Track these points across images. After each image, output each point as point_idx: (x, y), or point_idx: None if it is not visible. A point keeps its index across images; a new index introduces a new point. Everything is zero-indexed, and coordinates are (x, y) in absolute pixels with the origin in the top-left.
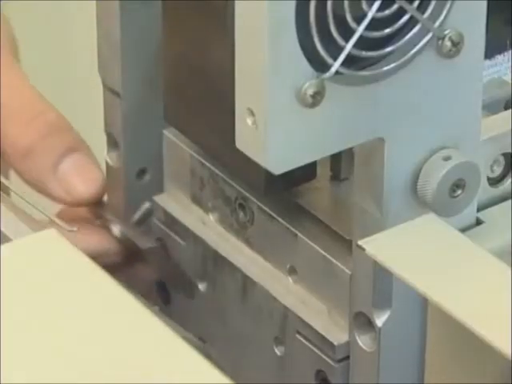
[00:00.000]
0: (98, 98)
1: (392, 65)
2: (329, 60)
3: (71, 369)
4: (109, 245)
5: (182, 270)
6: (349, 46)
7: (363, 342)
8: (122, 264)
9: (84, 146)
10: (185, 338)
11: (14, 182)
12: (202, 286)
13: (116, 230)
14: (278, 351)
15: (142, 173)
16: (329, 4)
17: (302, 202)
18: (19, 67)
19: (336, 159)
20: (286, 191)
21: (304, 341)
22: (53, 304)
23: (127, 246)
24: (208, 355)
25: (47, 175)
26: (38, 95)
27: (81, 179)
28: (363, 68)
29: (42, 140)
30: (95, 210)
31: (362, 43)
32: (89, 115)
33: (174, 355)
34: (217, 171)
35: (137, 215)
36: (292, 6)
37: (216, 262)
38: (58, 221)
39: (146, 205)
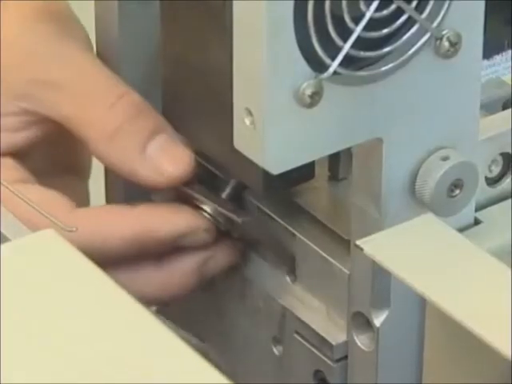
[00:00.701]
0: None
1: (390, 65)
2: (327, 60)
3: (70, 369)
4: (200, 223)
5: (277, 239)
6: (347, 46)
7: (361, 341)
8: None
9: (168, 127)
10: (183, 338)
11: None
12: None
13: (208, 207)
14: (276, 351)
15: None
16: (327, 4)
17: (301, 201)
18: (93, 54)
19: (334, 159)
20: (285, 191)
21: (302, 340)
22: (52, 304)
23: (218, 224)
24: (207, 355)
25: (136, 157)
26: (117, 79)
27: (170, 159)
28: (361, 68)
29: (129, 121)
30: (184, 189)
31: (360, 43)
32: None
33: (172, 355)
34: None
35: (226, 191)
36: (290, 6)
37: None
38: (57, 221)
39: (233, 181)
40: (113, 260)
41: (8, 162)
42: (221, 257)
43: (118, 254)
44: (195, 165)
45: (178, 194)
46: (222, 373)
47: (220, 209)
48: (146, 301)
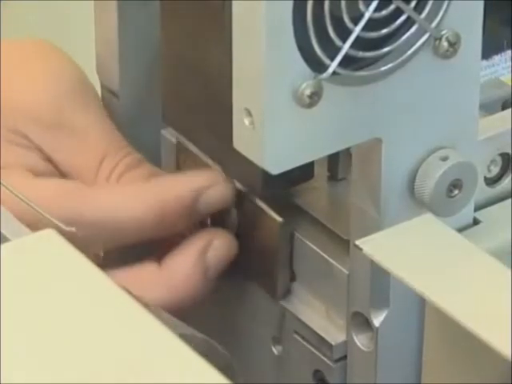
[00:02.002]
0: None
1: (389, 65)
2: (326, 60)
3: (70, 369)
4: (219, 176)
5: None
6: (346, 47)
7: (361, 341)
8: None
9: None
10: (186, 335)
11: None
12: None
13: None
14: (275, 351)
15: None
16: (326, 4)
17: (300, 202)
18: (96, 105)
19: (333, 159)
20: (284, 191)
21: (301, 340)
22: (52, 304)
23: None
24: (213, 349)
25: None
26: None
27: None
28: (360, 68)
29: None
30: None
31: (359, 43)
32: None
33: (172, 355)
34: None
35: None
36: (289, 6)
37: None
38: (56, 221)
39: None
40: (134, 239)
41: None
42: (219, 245)
43: (141, 227)
44: None
45: None
46: (230, 367)
47: None
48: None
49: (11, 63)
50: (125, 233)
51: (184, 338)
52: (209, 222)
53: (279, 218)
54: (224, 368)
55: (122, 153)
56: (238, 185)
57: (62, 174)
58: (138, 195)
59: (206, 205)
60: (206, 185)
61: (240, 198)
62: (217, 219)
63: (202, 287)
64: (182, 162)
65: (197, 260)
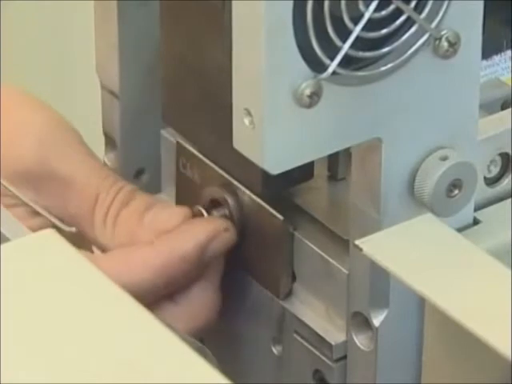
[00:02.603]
0: (96, 99)
1: (389, 65)
2: (326, 60)
3: (70, 369)
4: (218, 224)
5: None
6: (346, 47)
7: (360, 341)
8: None
9: (159, 202)
10: (183, 340)
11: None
12: None
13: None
14: (275, 351)
15: (139, 173)
16: (326, 4)
17: (300, 202)
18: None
19: (333, 159)
20: (284, 191)
21: (302, 340)
22: (51, 304)
23: None
24: (205, 355)
25: (135, 230)
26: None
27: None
28: (360, 68)
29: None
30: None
31: (359, 44)
32: (87, 116)
33: (172, 355)
34: (215, 169)
35: None
36: (289, 6)
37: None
38: (56, 221)
39: None
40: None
41: None
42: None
43: (149, 292)
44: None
45: None
46: (221, 372)
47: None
48: None
49: None
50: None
51: None
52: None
53: (280, 217)
54: None
55: (113, 191)
56: (239, 184)
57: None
58: (143, 262)
59: (211, 255)
60: (210, 237)
61: (240, 198)
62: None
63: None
64: (181, 162)
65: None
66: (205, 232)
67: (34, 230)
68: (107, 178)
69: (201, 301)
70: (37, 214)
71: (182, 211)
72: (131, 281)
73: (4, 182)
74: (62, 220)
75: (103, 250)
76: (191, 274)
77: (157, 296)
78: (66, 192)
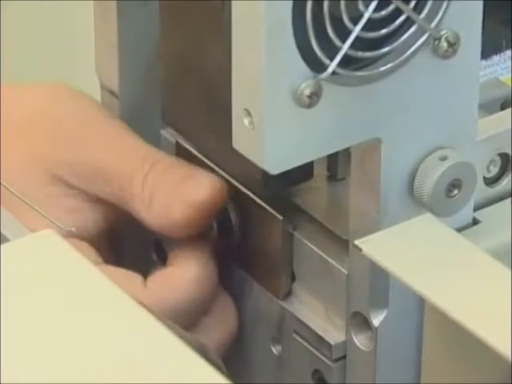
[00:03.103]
0: (95, 99)
1: (388, 65)
2: (325, 60)
3: (69, 369)
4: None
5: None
6: (345, 47)
7: (360, 341)
8: None
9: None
10: (183, 338)
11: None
12: None
13: None
14: (275, 350)
15: None
16: (325, 4)
17: (299, 202)
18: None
19: (333, 159)
20: (283, 191)
21: (301, 340)
22: (51, 304)
23: None
24: (206, 354)
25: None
26: (146, 146)
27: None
28: (360, 68)
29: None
30: None
31: (359, 44)
32: None
33: (171, 355)
34: (215, 169)
35: None
36: (289, 6)
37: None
38: (56, 221)
39: None
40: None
41: (83, 244)
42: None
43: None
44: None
45: None
46: (221, 372)
47: None
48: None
49: (31, 109)
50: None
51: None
52: (215, 226)
53: (280, 217)
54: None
55: (145, 168)
56: (238, 184)
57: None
58: (181, 279)
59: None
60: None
61: (240, 198)
62: (219, 220)
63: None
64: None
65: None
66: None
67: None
68: (136, 157)
69: (227, 307)
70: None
71: (213, 183)
72: (177, 300)
73: (7, 186)
74: (119, 205)
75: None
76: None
77: (200, 310)
78: (104, 177)
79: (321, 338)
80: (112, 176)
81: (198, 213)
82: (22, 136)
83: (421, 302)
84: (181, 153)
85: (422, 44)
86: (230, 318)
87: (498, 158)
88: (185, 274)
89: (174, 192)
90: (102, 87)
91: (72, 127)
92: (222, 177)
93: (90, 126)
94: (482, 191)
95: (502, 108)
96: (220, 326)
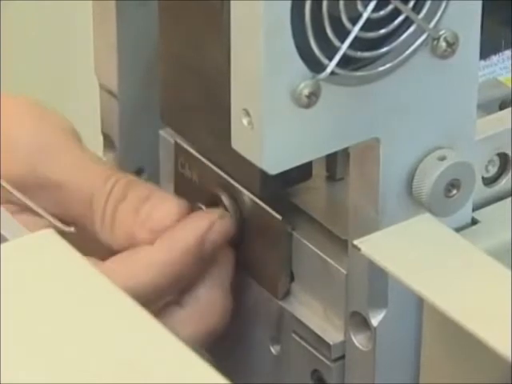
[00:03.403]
0: (94, 99)
1: (387, 65)
2: (324, 60)
3: (69, 369)
4: (213, 214)
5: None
6: (344, 47)
7: (359, 341)
8: None
9: (158, 191)
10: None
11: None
12: None
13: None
14: (274, 350)
15: (138, 173)
16: (324, 4)
17: (298, 202)
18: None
19: (331, 159)
20: (282, 191)
21: (300, 340)
22: (50, 303)
23: None
24: (204, 354)
25: (132, 224)
26: (105, 167)
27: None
28: (358, 68)
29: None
30: None
31: (358, 44)
32: (85, 116)
33: (170, 355)
34: (214, 169)
35: None
36: (287, 6)
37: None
38: (55, 221)
39: None
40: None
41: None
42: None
43: (155, 290)
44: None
45: None
46: (220, 372)
47: None
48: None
49: None
50: (142, 298)
51: None
52: None
53: (279, 217)
54: None
55: (106, 188)
56: (237, 184)
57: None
58: (146, 263)
59: (210, 245)
60: (208, 226)
61: (239, 198)
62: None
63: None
64: (180, 162)
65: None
66: (202, 223)
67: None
68: (99, 176)
69: (208, 302)
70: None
71: (176, 207)
72: (137, 284)
73: (7, 186)
74: (65, 223)
75: (107, 248)
76: (194, 269)
77: (163, 297)
78: (62, 196)
79: (320, 338)
80: (70, 198)
81: (161, 234)
82: None
83: (420, 302)
84: (179, 153)
85: (421, 44)
86: (210, 315)
87: (496, 158)
88: (149, 256)
89: (136, 214)
90: (101, 87)
91: (34, 149)
92: (220, 176)
93: (49, 147)
94: (480, 191)
95: (501, 108)
96: (196, 321)
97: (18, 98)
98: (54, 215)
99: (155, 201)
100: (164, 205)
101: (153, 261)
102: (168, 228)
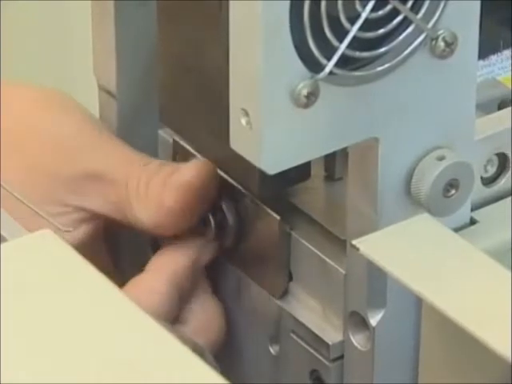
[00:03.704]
0: (93, 99)
1: (386, 65)
2: (323, 60)
3: (68, 369)
4: (201, 239)
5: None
6: (343, 47)
7: (357, 341)
8: None
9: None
10: (180, 338)
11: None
12: None
13: None
14: (272, 350)
15: None
16: (323, 4)
17: (297, 202)
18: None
19: (330, 159)
20: (281, 191)
21: (299, 340)
22: (49, 303)
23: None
24: (202, 354)
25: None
26: (136, 154)
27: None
28: (357, 68)
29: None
30: None
31: (356, 44)
32: None
33: (169, 355)
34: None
35: None
36: (286, 6)
37: (211, 262)
38: (54, 221)
39: None
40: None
41: None
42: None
43: (161, 313)
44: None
45: None
46: (217, 371)
47: None
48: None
49: (19, 118)
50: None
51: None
52: (212, 224)
53: (277, 216)
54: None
55: (140, 169)
56: (236, 184)
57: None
58: (149, 290)
59: (200, 267)
60: (200, 251)
61: (238, 198)
62: (217, 220)
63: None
64: (178, 162)
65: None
66: (196, 248)
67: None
68: (132, 160)
69: (205, 313)
70: (82, 221)
71: (195, 164)
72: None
73: (7, 187)
74: (109, 215)
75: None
76: (190, 289)
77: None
78: (101, 187)
79: (318, 338)
80: (108, 186)
81: (189, 196)
82: (12, 147)
83: (418, 302)
84: (178, 152)
85: (420, 44)
86: (211, 328)
87: (495, 158)
88: (149, 285)
89: (164, 184)
90: (100, 88)
91: (63, 140)
92: (219, 177)
93: (82, 138)
94: (479, 191)
95: (500, 108)
96: (198, 335)
97: (45, 90)
98: (99, 209)
99: (180, 169)
100: (185, 165)
101: (155, 288)
102: (193, 183)
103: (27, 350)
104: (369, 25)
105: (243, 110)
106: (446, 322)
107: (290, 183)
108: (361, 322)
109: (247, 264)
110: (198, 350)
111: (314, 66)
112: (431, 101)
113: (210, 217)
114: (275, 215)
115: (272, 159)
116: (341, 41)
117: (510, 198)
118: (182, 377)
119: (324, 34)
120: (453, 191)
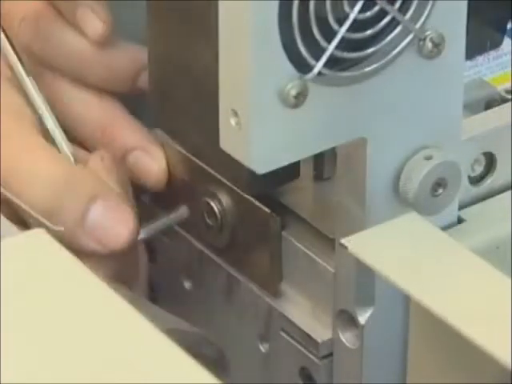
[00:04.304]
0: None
1: (374, 66)
2: (311, 61)
3: (62, 369)
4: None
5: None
6: (331, 47)
7: (346, 339)
8: None
9: (110, 191)
10: (177, 329)
11: None
12: (187, 285)
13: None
14: (262, 348)
15: None
16: (311, 5)
17: (286, 201)
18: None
19: (319, 159)
20: (270, 191)
21: (288, 338)
22: (41, 303)
23: None
24: (206, 342)
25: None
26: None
27: (112, 226)
28: (345, 69)
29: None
30: None
31: (344, 44)
32: None
33: (161, 355)
34: (204, 168)
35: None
36: (275, 7)
37: (201, 260)
38: (46, 221)
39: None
40: None
41: None
42: None
43: None
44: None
45: None
46: (222, 357)
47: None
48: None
49: None
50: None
51: (176, 331)
52: (204, 224)
53: (267, 210)
54: (217, 359)
55: None
56: (228, 183)
57: None
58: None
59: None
60: None
61: (229, 196)
62: (208, 218)
63: None
64: (169, 163)
65: None
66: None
67: None
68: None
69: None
70: None
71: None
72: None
73: (2, 190)
74: None
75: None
76: None
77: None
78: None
79: (308, 336)
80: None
81: None
82: None
83: (406, 300)
84: (169, 153)
85: (407, 44)
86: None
87: (482, 158)
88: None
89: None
90: None
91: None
92: (209, 175)
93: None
94: (466, 190)
95: (486, 108)
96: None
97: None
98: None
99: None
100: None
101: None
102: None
103: (23, 350)
104: (357, 25)
105: (232, 110)
106: (433, 320)
107: (280, 183)
108: (349, 320)
109: (239, 262)
110: (201, 338)
111: (302, 67)
112: (419, 101)
113: (204, 215)
114: (265, 208)
115: (261, 159)
116: (329, 41)
117: (496, 197)
118: (174, 376)
119: (312, 34)
120: (440, 190)
